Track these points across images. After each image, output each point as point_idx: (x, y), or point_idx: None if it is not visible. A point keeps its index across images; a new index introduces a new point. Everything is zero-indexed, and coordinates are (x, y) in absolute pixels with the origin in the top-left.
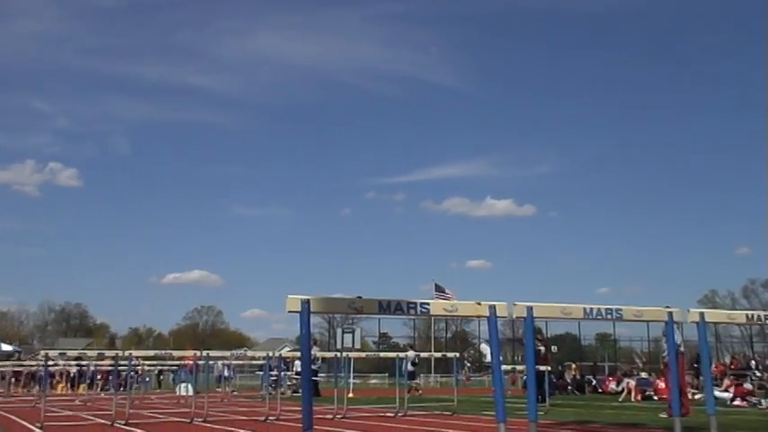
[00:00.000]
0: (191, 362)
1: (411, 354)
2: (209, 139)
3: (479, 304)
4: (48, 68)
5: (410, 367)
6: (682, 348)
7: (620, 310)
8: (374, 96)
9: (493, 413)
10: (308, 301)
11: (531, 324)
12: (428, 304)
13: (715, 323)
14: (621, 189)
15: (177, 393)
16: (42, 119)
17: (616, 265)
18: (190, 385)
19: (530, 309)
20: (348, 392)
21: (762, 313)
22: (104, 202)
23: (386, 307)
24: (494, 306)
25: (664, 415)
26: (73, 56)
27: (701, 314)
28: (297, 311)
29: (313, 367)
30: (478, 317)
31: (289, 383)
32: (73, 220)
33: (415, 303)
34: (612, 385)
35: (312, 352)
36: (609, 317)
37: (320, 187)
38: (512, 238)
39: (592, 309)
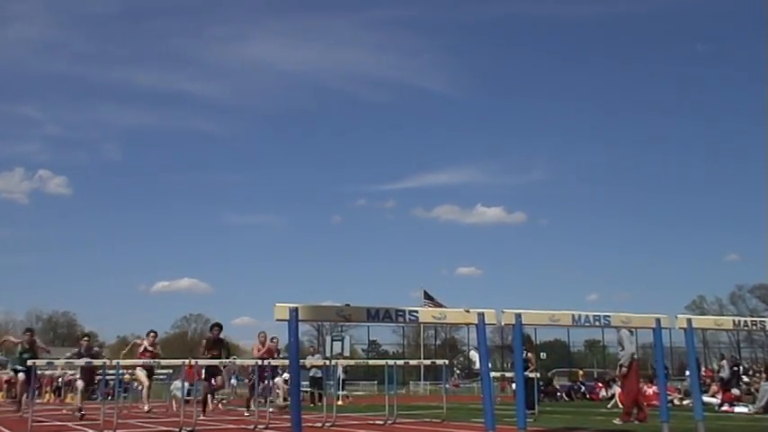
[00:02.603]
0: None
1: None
2: (200, 146)
3: (468, 311)
4: (39, 75)
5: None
6: (636, 356)
7: (608, 316)
8: (365, 103)
9: (482, 420)
10: (297, 308)
11: (520, 331)
12: (416, 312)
13: (703, 329)
14: (612, 196)
15: (171, 394)
16: (32, 126)
17: (605, 272)
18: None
19: (518, 316)
20: (337, 400)
21: (749, 319)
22: (94, 209)
23: (374, 314)
24: (482, 313)
25: (617, 421)
26: (65, 62)
27: (689, 320)
28: (285, 320)
29: (319, 375)
30: (467, 324)
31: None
32: (62, 228)
33: (404, 311)
34: (602, 392)
35: (314, 359)
36: (597, 323)
37: (311, 194)
38: (502, 246)
39: (580, 316)
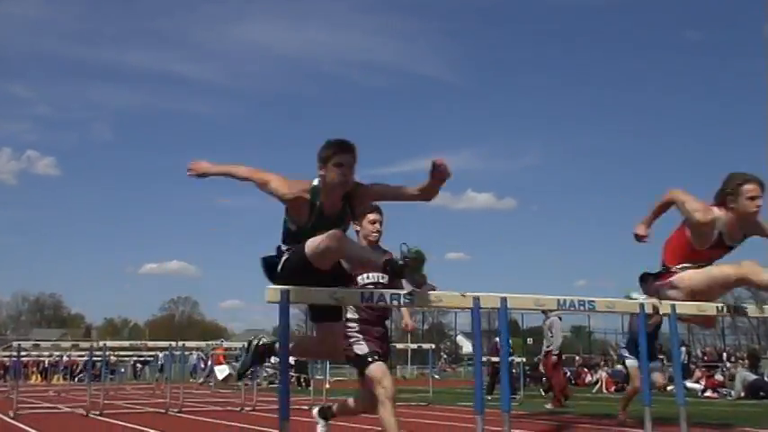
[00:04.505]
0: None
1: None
2: (192, 128)
3: (464, 295)
4: (29, 53)
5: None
6: (554, 350)
7: (593, 301)
8: (359, 86)
9: (467, 404)
10: (288, 291)
11: (506, 315)
12: (411, 295)
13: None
14: (602, 183)
15: (219, 378)
16: (22, 105)
17: (594, 258)
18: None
19: (503, 300)
20: (326, 383)
21: (732, 305)
22: (82, 191)
23: (368, 298)
24: (478, 297)
25: (549, 406)
26: (55, 41)
27: (673, 306)
28: (276, 302)
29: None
30: (462, 308)
31: (265, 375)
32: (50, 209)
33: (399, 294)
34: (588, 377)
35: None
36: (582, 308)
37: (303, 178)
38: (491, 232)
39: (565, 300)
